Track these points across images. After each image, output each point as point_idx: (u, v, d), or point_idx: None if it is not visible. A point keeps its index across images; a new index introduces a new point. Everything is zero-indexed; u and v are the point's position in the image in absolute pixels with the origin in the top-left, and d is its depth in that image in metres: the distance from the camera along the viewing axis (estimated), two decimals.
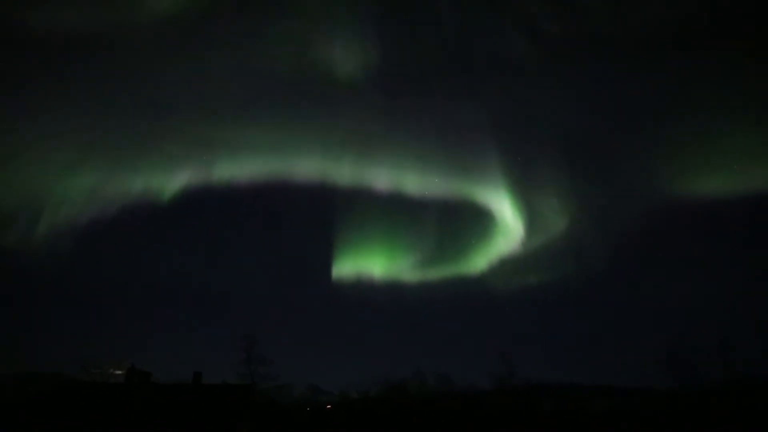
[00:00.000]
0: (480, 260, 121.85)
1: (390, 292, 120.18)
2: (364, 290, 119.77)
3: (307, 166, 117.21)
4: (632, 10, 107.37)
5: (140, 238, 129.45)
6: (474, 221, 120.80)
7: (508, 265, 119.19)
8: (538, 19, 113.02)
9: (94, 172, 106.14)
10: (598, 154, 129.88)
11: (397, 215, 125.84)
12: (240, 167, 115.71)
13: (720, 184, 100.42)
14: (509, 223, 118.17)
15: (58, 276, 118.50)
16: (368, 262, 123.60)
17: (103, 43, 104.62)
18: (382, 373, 57.06)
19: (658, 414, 42.25)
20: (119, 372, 40.57)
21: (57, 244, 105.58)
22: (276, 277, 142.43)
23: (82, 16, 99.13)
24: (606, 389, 58.23)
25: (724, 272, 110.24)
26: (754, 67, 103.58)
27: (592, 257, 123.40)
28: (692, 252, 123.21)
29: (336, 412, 55.86)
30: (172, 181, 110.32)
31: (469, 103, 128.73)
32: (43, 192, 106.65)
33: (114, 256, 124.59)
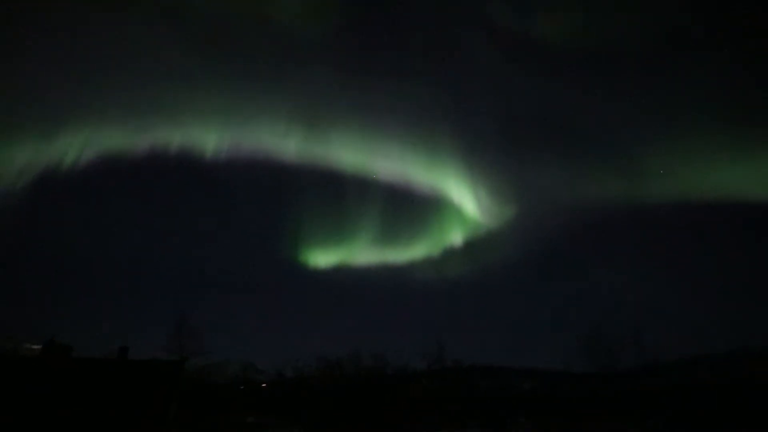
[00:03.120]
0: (421, 245, 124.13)
1: (332, 274, 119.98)
2: (305, 271, 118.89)
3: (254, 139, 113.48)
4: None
5: (62, 206, 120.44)
6: (421, 206, 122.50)
7: (448, 251, 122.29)
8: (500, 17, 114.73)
9: (3, 136, 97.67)
10: (544, 148, 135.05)
11: (343, 196, 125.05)
12: (181, 136, 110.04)
13: (663, 188, 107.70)
14: (452, 210, 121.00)
15: None
16: (311, 243, 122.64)
17: None
18: (319, 352, 57.18)
19: (576, 394, 45.39)
20: (36, 346, 37.97)
21: None
22: (215, 254, 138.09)
23: None
24: (531, 371, 61.67)
25: (643, 267, 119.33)
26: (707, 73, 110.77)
27: (525, 246, 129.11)
28: (614, 247, 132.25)
29: (270, 390, 55.54)
30: (97, 146, 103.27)
31: (425, 85, 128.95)
32: None
33: (35, 225, 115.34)
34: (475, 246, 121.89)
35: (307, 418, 42.89)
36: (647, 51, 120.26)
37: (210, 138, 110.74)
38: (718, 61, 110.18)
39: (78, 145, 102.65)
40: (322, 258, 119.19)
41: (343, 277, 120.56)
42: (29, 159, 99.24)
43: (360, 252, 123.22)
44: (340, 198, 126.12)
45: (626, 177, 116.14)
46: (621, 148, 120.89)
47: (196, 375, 47.67)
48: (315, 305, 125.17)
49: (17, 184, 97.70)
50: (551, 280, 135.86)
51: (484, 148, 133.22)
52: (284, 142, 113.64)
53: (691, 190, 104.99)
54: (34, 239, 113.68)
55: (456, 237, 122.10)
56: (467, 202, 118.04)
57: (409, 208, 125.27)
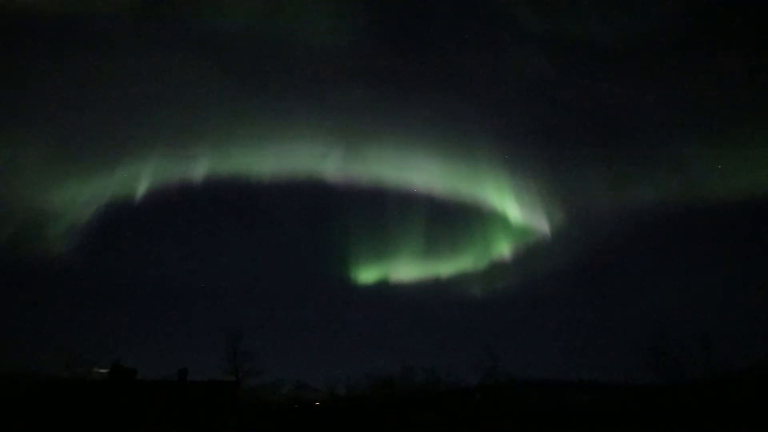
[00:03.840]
0: (467, 257, 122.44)
1: (378, 290, 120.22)
2: (352, 288, 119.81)
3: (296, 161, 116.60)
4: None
5: (123, 235, 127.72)
6: (465, 218, 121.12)
7: (495, 262, 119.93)
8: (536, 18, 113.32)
9: (68, 176, 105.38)
10: (589, 152, 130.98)
11: (386, 211, 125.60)
12: (228, 162, 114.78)
13: (716, 187, 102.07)
14: (497, 220, 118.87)
15: (40, 276, 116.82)
16: (357, 259, 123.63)
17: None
18: (369, 369, 57.17)
19: (640, 408, 43.03)
20: (104, 370, 40.15)
21: (35, 245, 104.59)
22: (263, 275, 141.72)
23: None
24: (590, 384, 59.12)
25: (706, 270, 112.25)
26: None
27: (577, 254, 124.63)
28: (676, 250, 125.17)
29: (324, 409, 55.97)
30: (153, 177, 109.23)
31: (461, 94, 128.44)
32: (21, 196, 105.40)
33: (98, 255, 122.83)
34: (523, 255, 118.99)
35: None
36: (691, 46, 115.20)
37: (253, 162, 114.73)
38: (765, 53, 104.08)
39: (134, 177, 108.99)
40: (368, 274, 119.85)
41: (390, 293, 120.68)
42: (92, 193, 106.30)
43: (406, 266, 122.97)
44: (383, 213, 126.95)
45: (679, 176, 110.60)
46: (671, 147, 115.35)
47: (251, 395, 48.86)
48: (364, 322, 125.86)
49: (82, 218, 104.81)
50: (606, 287, 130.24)
51: (526, 155, 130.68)
52: (324, 161, 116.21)
53: (751, 186, 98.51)
54: (98, 269, 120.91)
55: (503, 247, 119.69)
56: (512, 211, 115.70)
57: (453, 220, 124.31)
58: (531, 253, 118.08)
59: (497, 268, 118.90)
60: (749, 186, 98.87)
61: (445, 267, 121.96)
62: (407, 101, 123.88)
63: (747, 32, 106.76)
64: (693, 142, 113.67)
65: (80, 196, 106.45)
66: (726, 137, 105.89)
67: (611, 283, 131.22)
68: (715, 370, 41.25)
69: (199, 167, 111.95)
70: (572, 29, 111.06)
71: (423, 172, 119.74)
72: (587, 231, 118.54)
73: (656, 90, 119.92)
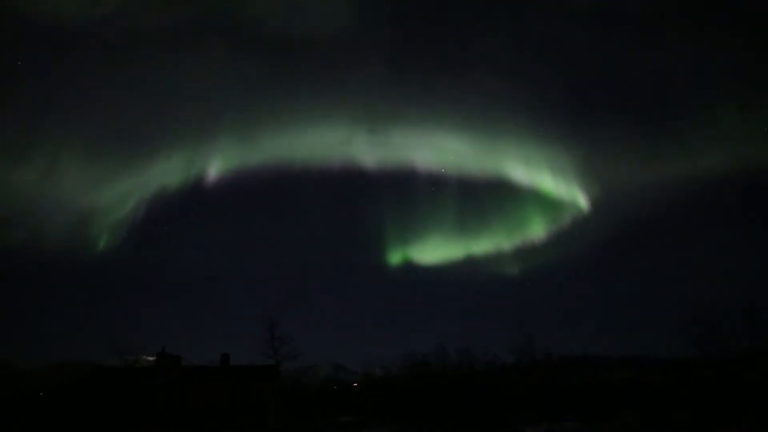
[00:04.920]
0: (500, 236, 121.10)
1: (411, 271, 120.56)
2: (385, 270, 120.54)
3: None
4: None
5: (162, 229, 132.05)
6: (497, 196, 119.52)
7: (529, 240, 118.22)
8: None
9: (107, 175, 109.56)
10: (622, 125, 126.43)
11: (416, 193, 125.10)
12: (257, 152, 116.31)
13: (759, 154, 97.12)
14: (529, 198, 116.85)
15: (89, 270, 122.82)
16: (390, 242, 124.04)
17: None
18: (404, 350, 57.79)
19: (681, 382, 42.04)
20: (151, 357, 41.95)
21: (83, 241, 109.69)
22: (298, 261, 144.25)
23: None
24: (629, 360, 58.06)
25: (747, 241, 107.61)
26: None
27: (613, 228, 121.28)
28: (716, 221, 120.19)
29: (361, 389, 57.06)
30: (187, 171, 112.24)
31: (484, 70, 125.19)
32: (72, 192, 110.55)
33: (140, 248, 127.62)
34: (558, 231, 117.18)
35: (399, 415, 43.53)
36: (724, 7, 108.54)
37: (281, 150, 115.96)
38: None
39: (169, 172, 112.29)
40: (400, 256, 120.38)
41: (423, 274, 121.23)
42: (131, 190, 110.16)
43: (438, 247, 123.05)
44: (414, 195, 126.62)
45: (718, 146, 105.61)
46: (708, 116, 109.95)
47: (291, 377, 50.25)
48: (397, 303, 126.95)
49: (124, 213, 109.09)
50: (644, 261, 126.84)
51: (559, 129, 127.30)
52: (351, 146, 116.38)
53: None
54: (142, 262, 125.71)
55: (537, 224, 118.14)
56: (546, 186, 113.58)
57: (485, 199, 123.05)
58: (566, 228, 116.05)
59: (531, 245, 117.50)
60: None
61: (478, 246, 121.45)
62: (432, 82, 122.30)
63: None
64: (731, 109, 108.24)
65: (121, 192, 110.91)
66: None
67: (649, 257, 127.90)
68: (759, 343, 39.70)
69: (228, 159, 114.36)
70: None
71: (452, 152, 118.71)
72: (623, 204, 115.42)
73: (691, 57, 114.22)
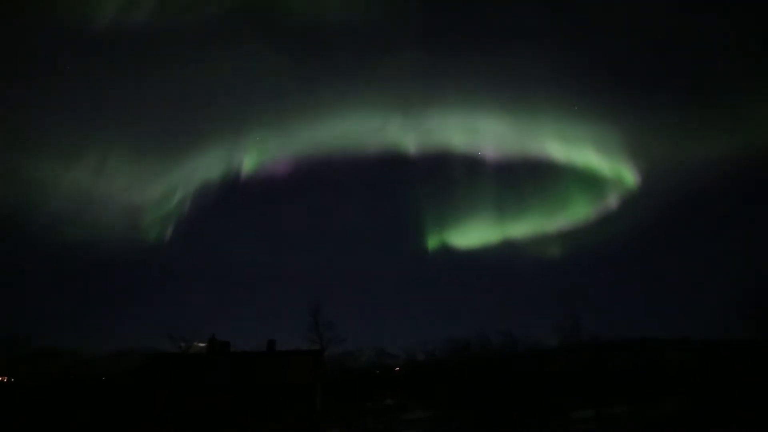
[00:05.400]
0: (542, 218, 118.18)
1: (451, 255, 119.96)
2: (427, 255, 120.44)
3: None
4: None
5: (211, 220, 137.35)
6: (535, 178, 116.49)
7: (573, 221, 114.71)
8: None
9: (152, 171, 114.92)
10: (671, 99, 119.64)
11: (454, 177, 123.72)
12: (290, 142, 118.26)
13: None
14: (570, 178, 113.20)
15: (142, 263, 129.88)
16: (430, 226, 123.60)
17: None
18: (446, 334, 57.86)
19: (737, 364, 40.27)
20: (202, 344, 43.99)
21: (135, 236, 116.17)
22: (339, 248, 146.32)
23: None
24: (679, 342, 55.89)
25: None
26: None
27: (662, 206, 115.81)
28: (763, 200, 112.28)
29: (404, 373, 57.77)
30: (227, 164, 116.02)
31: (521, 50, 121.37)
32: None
33: (188, 239, 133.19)
34: (602, 212, 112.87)
35: (442, 399, 43.89)
36: None
37: (316, 138, 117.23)
38: None
39: (210, 165, 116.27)
40: (440, 240, 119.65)
41: (463, 257, 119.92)
42: (174, 184, 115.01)
43: (478, 231, 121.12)
44: (452, 179, 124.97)
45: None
46: (759, 92, 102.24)
47: (335, 362, 51.49)
48: (438, 288, 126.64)
49: (171, 207, 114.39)
50: (695, 241, 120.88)
51: (603, 103, 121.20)
52: (385, 131, 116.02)
53: None
54: (190, 253, 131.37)
55: (579, 206, 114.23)
56: (592, 163, 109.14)
57: (525, 181, 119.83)
58: (612, 207, 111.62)
59: (574, 226, 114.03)
60: None
61: (517, 229, 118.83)
62: (466, 63, 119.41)
63: None
64: None
65: (167, 187, 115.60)
66: None
67: (700, 236, 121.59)
68: None
69: (264, 151, 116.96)
70: None
71: (489, 133, 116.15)
72: (672, 181, 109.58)
73: (745, 25, 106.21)
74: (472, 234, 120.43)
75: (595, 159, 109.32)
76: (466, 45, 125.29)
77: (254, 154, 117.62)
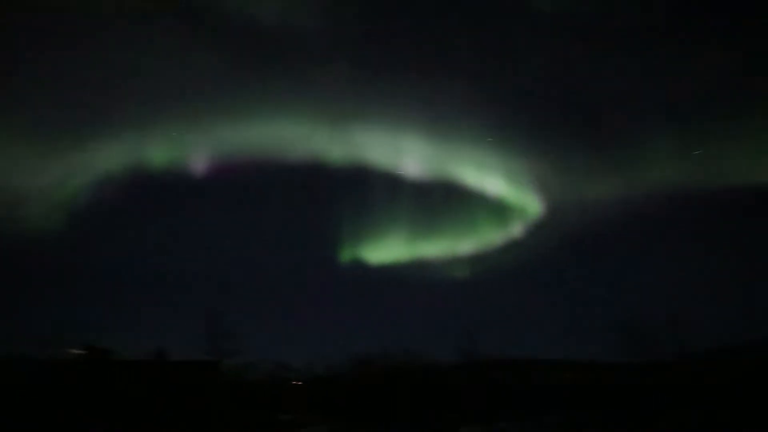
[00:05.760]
0: (454, 241, 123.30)
1: (359, 271, 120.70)
2: (333, 269, 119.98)
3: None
4: None
5: (108, 216, 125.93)
6: (448, 201, 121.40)
7: (481, 246, 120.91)
8: None
9: (48, 154, 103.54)
10: (578, 137, 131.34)
11: (372, 193, 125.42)
12: (213, 143, 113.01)
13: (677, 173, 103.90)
14: (485, 205, 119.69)
15: (20, 255, 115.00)
16: (340, 240, 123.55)
17: None
18: (350, 349, 57.78)
19: (616, 385, 44.59)
20: (78, 351, 39.93)
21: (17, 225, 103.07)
22: (245, 256, 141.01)
23: None
24: (562, 363, 60.59)
25: (678, 252, 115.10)
26: None
27: (562, 238, 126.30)
28: (648, 234, 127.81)
29: (304, 388, 56.62)
30: (135, 157, 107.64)
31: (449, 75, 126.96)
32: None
33: (82, 236, 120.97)
34: (507, 239, 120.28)
35: (339, 414, 43.59)
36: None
37: (238, 142, 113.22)
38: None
39: (118, 157, 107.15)
40: (350, 255, 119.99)
41: (372, 274, 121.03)
42: (72, 172, 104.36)
43: (390, 248, 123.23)
44: (371, 194, 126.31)
45: (663, 164, 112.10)
46: (654, 137, 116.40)
47: (232, 374, 49.14)
48: (344, 302, 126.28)
49: (64, 197, 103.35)
50: (584, 270, 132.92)
51: (516, 137, 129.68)
52: (310, 141, 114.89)
53: (723, 176, 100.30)
54: (77, 250, 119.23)
55: (487, 231, 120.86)
56: (500, 193, 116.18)
57: (440, 203, 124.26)
58: (517, 235, 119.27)
59: (482, 250, 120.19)
60: (721, 176, 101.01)
61: (429, 248, 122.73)
62: (396, 82, 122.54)
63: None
64: (669, 133, 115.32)
65: (63, 175, 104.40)
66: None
67: (589, 267, 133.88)
68: (682, 351, 42.90)
69: (176, 147, 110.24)
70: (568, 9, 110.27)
71: (409, 153, 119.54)
72: (571, 216, 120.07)
73: (643, 76, 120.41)
74: (386, 250, 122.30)
75: (505, 188, 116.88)
76: (397, 65, 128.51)
77: (167, 150, 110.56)
